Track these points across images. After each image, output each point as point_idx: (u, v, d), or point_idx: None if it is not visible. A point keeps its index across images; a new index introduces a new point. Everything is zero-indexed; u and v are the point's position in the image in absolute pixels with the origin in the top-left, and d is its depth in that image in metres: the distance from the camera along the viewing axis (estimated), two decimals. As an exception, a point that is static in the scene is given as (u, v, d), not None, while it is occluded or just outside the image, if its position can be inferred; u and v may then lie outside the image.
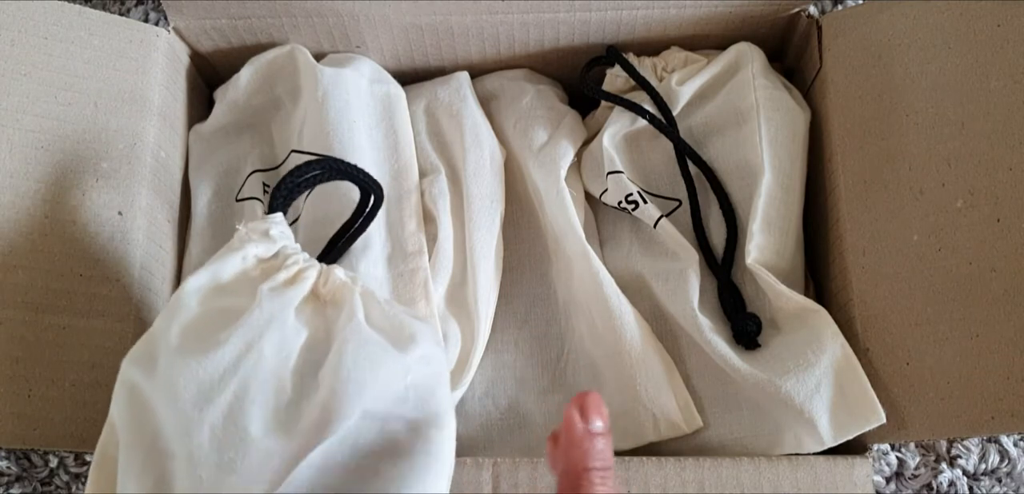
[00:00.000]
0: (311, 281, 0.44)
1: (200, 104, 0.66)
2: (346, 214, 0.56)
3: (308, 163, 0.50)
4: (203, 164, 0.63)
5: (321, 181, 0.51)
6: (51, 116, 0.54)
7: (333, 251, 0.56)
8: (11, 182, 0.52)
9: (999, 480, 0.69)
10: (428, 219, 0.59)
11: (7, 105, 0.52)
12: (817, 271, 0.61)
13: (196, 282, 0.43)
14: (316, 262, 0.46)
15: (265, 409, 0.40)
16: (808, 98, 0.63)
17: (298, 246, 0.46)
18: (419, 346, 0.43)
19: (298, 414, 0.40)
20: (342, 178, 0.51)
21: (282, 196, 0.49)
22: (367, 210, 0.55)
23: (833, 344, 0.53)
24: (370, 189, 0.53)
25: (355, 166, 0.52)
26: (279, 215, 0.47)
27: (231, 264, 0.44)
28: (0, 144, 0.52)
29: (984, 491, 0.69)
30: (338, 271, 0.45)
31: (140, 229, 0.55)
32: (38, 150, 0.53)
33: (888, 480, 0.70)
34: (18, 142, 0.52)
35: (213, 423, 0.39)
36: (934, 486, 0.69)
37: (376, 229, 0.57)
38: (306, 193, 0.59)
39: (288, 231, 0.47)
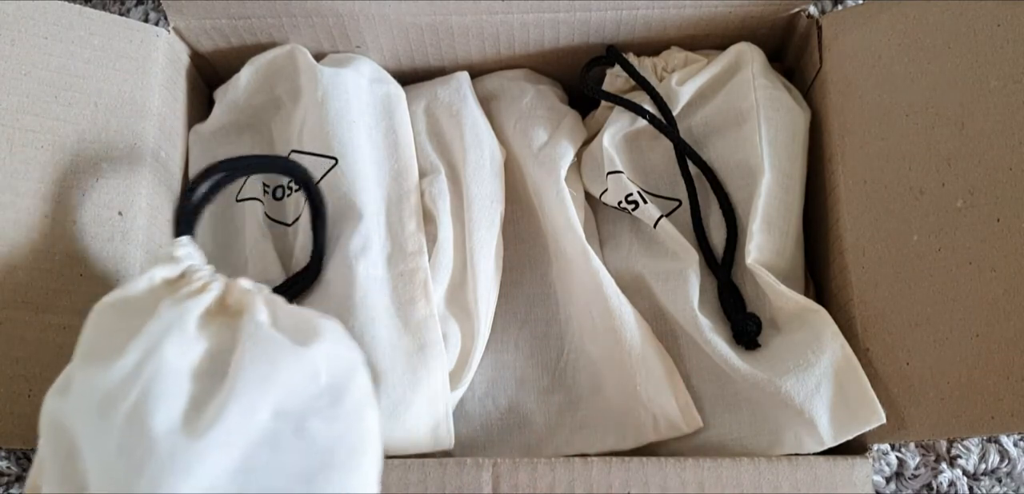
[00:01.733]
0: (215, 293, 0.45)
1: (200, 104, 0.66)
2: (345, 210, 0.56)
3: (205, 171, 0.51)
4: (203, 164, 0.63)
5: (225, 184, 0.52)
6: (51, 116, 0.54)
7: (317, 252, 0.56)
8: (11, 182, 0.52)
9: (999, 480, 0.69)
10: (428, 219, 0.59)
11: (7, 105, 0.52)
12: (817, 271, 0.61)
13: (106, 302, 0.45)
14: (222, 277, 0.46)
15: (169, 410, 0.40)
16: (808, 98, 0.63)
17: (205, 264, 0.47)
18: (324, 340, 0.44)
19: (202, 413, 0.41)
20: (245, 174, 0.52)
21: (186, 217, 0.50)
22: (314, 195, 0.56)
23: (833, 344, 0.53)
24: (288, 171, 0.54)
25: (258, 157, 0.52)
26: (185, 238, 0.48)
27: (139, 285, 0.45)
28: (0, 144, 0.52)
29: (984, 491, 0.69)
30: (243, 282, 0.46)
31: (140, 229, 0.55)
32: (38, 150, 0.53)
33: (888, 480, 0.70)
34: (18, 142, 0.52)
35: (119, 428, 0.40)
36: (934, 486, 0.69)
37: (376, 229, 0.57)
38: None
39: (195, 251, 0.48)
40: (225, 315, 0.46)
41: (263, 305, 0.45)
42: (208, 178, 0.52)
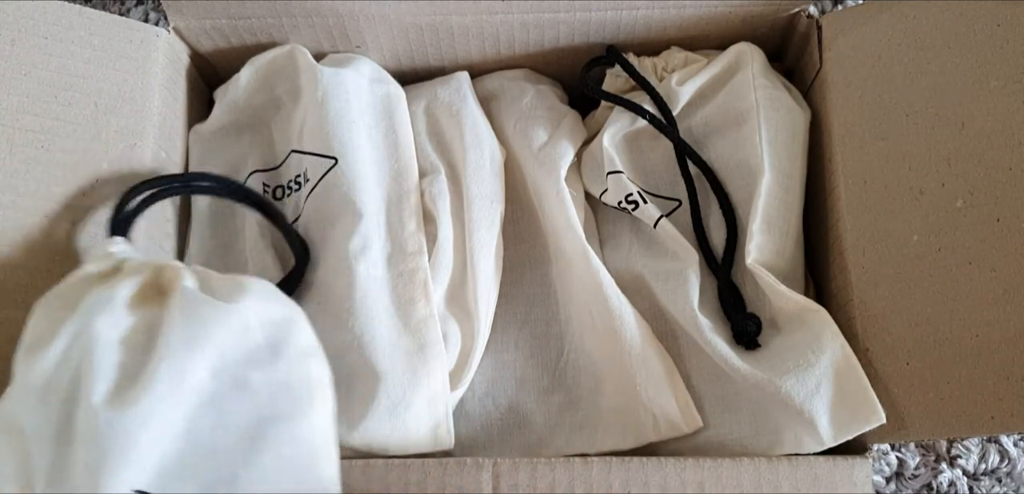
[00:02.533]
0: (145, 275, 0.46)
1: (200, 104, 0.66)
2: (345, 210, 0.56)
3: (143, 182, 0.53)
4: (203, 164, 0.63)
5: (162, 198, 0.53)
6: (51, 116, 0.54)
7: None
8: (11, 182, 0.52)
9: (999, 480, 0.69)
10: (428, 219, 0.59)
11: (7, 105, 0.52)
12: (817, 271, 0.61)
13: (43, 298, 0.46)
14: (155, 262, 0.47)
15: (104, 382, 0.41)
16: (808, 98, 0.63)
17: (139, 257, 0.48)
18: (253, 296, 0.45)
19: (137, 381, 0.41)
20: (182, 193, 0.54)
21: (119, 224, 0.51)
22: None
23: (833, 344, 0.53)
24: (225, 192, 0.56)
25: (194, 176, 0.55)
26: (119, 239, 0.49)
27: (72, 279, 0.46)
28: (0, 144, 0.52)
29: (984, 491, 0.69)
30: (173, 262, 0.47)
31: (140, 229, 0.55)
32: (38, 150, 0.53)
33: (888, 480, 0.70)
34: (18, 142, 0.52)
35: (56, 411, 0.41)
36: (934, 486, 0.69)
37: (376, 229, 0.57)
38: (308, 192, 0.59)
39: (128, 249, 0.48)
40: (158, 294, 0.46)
41: (190, 274, 0.46)
42: (143, 191, 0.53)
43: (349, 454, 0.52)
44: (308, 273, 0.57)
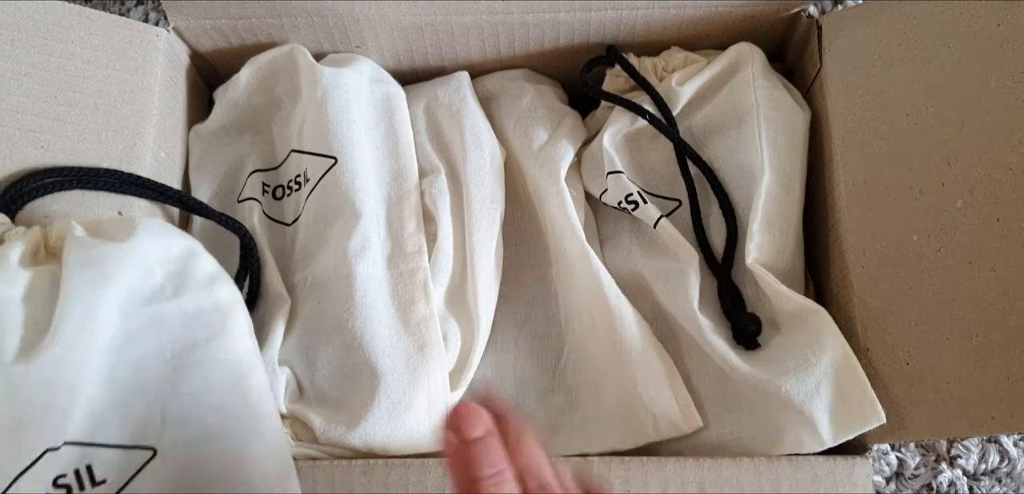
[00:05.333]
0: (32, 236, 0.47)
1: (200, 104, 0.66)
2: (345, 210, 0.56)
3: (48, 170, 0.52)
4: (203, 164, 0.63)
5: (56, 189, 0.53)
6: (52, 116, 0.54)
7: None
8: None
9: (999, 480, 0.69)
10: (428, 219, 0.59)
11: (8, 105, 0.52)
12: (817, 271, 0.61)
13: None
14: (40, 227, 0.48)
15: (12, 339, 0.42)
16: (808, 98, 0.63)
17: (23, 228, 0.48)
18: (142, 231, 0.46)
19: (46, 331, 0.42)
20: (86, 188, 0.53)
21: (7, 200, 0.50)
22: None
23: (833, 344, 0.53)
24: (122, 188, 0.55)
25: (97, 172, 0.54)
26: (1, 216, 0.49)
27: None
28: (0, 144, 0.52)
29: (984, 491, 0.69)
30: (64, 222, 0.47)
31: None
32: (39, 150, 0.53)
33: (888, 480, 0.70)
34: (19, 141, 0.52)
35: None
36: (934, 486, 0.69)
37: (375, 229, 0.57)
38: (308, 192, 0.59)
39: (5, 220, 0.49)
40: (51, 252, 0.47)
41: (79, 225, 0.46)
42: (40, 179, 0.52)
43: (349, 454, 0.52)
44: (308, 271, 0.57)
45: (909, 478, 0.70)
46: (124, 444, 0.43)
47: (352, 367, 0.53)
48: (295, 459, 0.51)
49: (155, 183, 0.56)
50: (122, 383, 0.43)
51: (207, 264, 0.48)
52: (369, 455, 0.52)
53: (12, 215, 0.50)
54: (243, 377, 0.46)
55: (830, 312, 0.55)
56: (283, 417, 0.53)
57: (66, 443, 0.41)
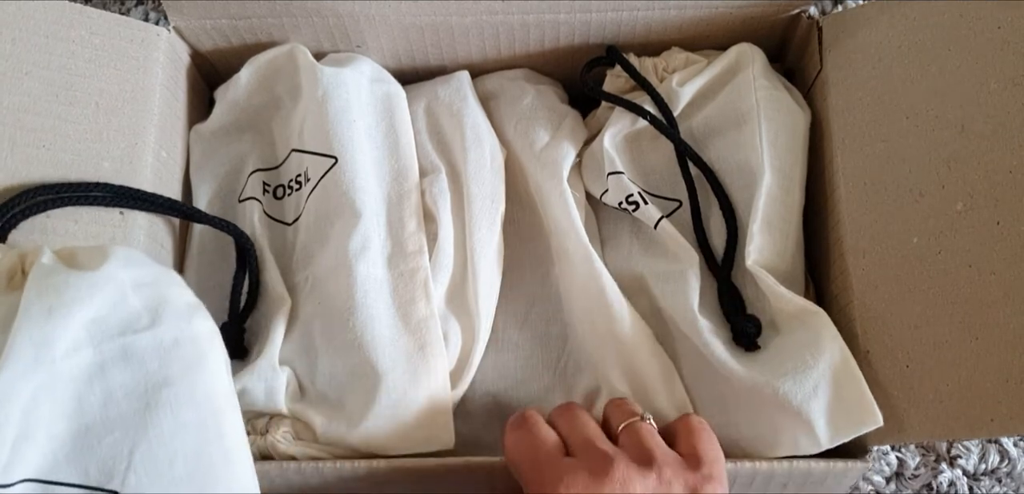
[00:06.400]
0: (8, 262, 0.45)
1: (200, 104, 0.66)
2: (345, 209, 0.56)
3: (39, 188, 0.51)
4: (204, 164, 0.63)
5: (55, 206, 0.52)
6: (53, 115, 0.54)
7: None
8: (12, 181, 0.52)
9: (999, 480, 0.69)
10: (428, 218, 0.59)
11: (8, 104, 0.53)
12: (817, 273, 0.61)
13: None
14: (18, 249, 0.46)
15: None
16: (808, 99, 0.63)
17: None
18: (114, 259, 0.44)
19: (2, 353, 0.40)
20: (78, 204, 0.52)
21: None
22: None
23: (832, 346, 0.53)
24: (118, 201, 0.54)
25: (89, 186, 0.53)
26: None
27: None
28: (2, 143, 0.52)
29: (984, 491, 0.69)
30: (38, 246, 0.46)
31: (141, 229, 0.55)
32: (40, 148, 0.53)
33: (888, 480, 0.69)
34: (20, 141, 0.52)
35: None
36: (934, 486, 0.69)
37: (376, 229, 0.57)
38: (308, 192, 0.59)
39: None
40: (24, 277, 0.45)
41: (50, 252, 0.45)
42: (31, 198, 0.51)
43: (350, 453, 0.52)
44: (308, 270, 0.58)
45: (909, 478, 0.70)
46: (86, 484, 0.41)
47: (353, 367, 0.53)
48: (296, 459, 0.52)
49: (148, 195, 0.55)
50: (91, 420, 0.41)
51: (183, 292, 0.46)
52: (370, 455, 0.52)
53: (4, 236, 0.50)
54: (218, 420, 0.44)
55: (830, 314, 0.55)
56: (284, 417, 0.53)
57: (24, 480, 0.39)
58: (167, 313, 0.44)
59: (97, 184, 0.54)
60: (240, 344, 0.57)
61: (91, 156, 0.54)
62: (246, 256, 0.57)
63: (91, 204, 0.53)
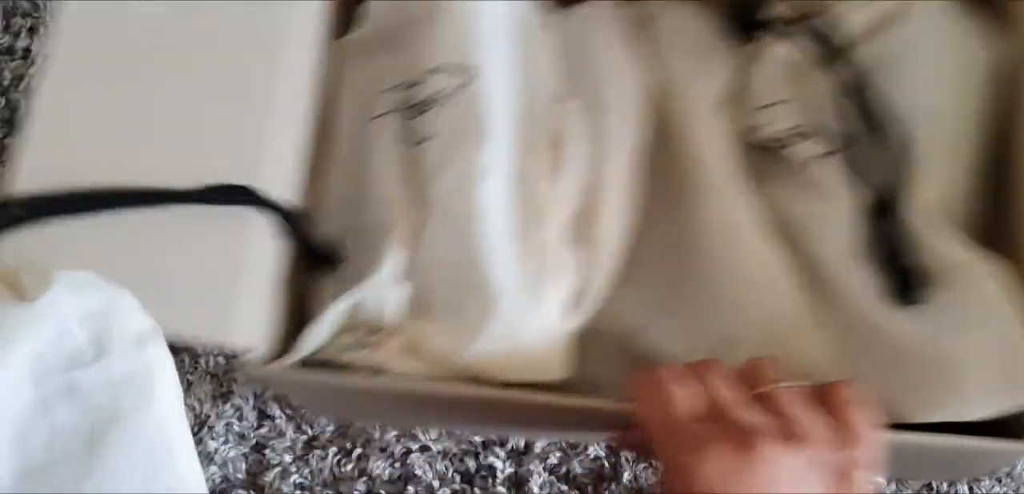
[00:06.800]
0: None
1: (345, 16, 0.66)
2: (472, 129, 0.55)
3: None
4: (344, 79, 0.63)
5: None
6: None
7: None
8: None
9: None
10: (558, 145, 0.57)
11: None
12: (991, 222, 0.55)
13: None
14: None
15: None
16: (1007, 34, 0.57)
17: None
18: (57, 287, 0.41)
19: None
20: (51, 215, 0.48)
21: None
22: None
23: (1002, 307, 0.48)
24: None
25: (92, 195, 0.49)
26: None
27: None
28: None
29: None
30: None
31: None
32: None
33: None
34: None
35: None
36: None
37: (503, 150, 0.56)
38: (441, 110, 0.58)
39: None
40: None
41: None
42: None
43: (461, 374, 0.52)
44: (434, 188, 0.56)
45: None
46: None
47: (468, 285, 0.52)
48: (407, 375, 0.51)
49: (113, 193, 0.50)
50: (33, 462, 0.40)
51: (135, 318, 0.43)
52: (480, 377, 0.51)
53: None
54: (169, 448, 0.42)
55: (1003, 269, 0.49)
56: (396, 332, 0.53)
57: None
58: (115, 345, 0.42)
59: (72, 194, 0.49)
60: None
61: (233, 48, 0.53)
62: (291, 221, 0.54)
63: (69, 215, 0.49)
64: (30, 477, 0.40)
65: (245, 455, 0.66)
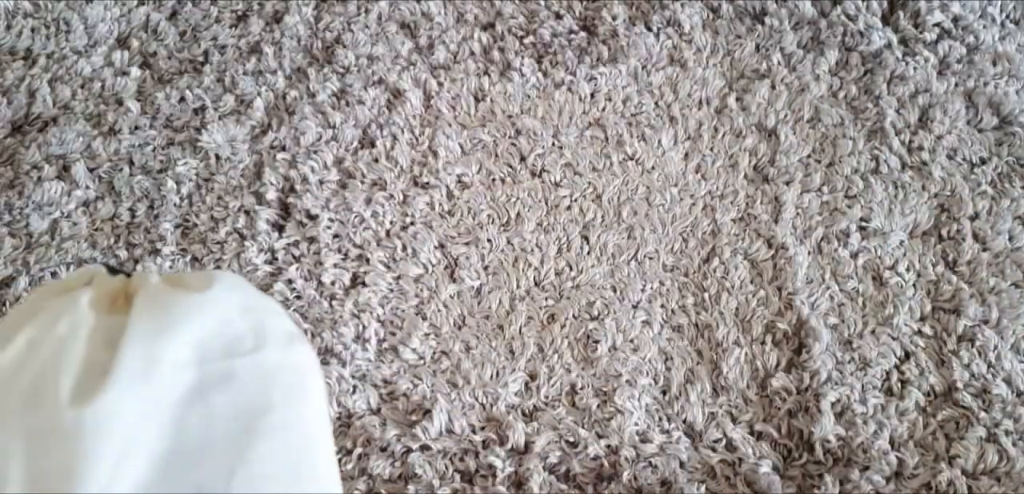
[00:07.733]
0: (111, 286, 0.45)
1: None
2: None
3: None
4: None
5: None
6: None
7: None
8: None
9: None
10: None
11: None
12: None
13: (14, 308, 0.45)
14: (124, 276, 0.46)
15: (68, 379, 0.40)
16: None
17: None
18: (221, 283, 0.44)
19: (103, 373, 0.40)
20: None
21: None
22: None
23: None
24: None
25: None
26: (101, 268, 0.48)
27: (44, 289, 0.46)
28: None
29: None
30: (145, 273, 0.46)
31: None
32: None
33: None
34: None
35: (20, 406, 0.39)
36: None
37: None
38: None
39: (101, 270, 0.47)
40: (128, 301, 0.44)
41: (159, 275, 0.45)
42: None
43: None
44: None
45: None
46: None
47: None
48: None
49: None
50: (189, 439, 0.40)
51: (286, 322, 0.46)
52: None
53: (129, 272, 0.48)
54: (311, 449, 0.44)
55: None
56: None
57: None
58: (270, 338, 0.44)
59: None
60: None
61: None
62: None
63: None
64: (186, 457, 0.40)
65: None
